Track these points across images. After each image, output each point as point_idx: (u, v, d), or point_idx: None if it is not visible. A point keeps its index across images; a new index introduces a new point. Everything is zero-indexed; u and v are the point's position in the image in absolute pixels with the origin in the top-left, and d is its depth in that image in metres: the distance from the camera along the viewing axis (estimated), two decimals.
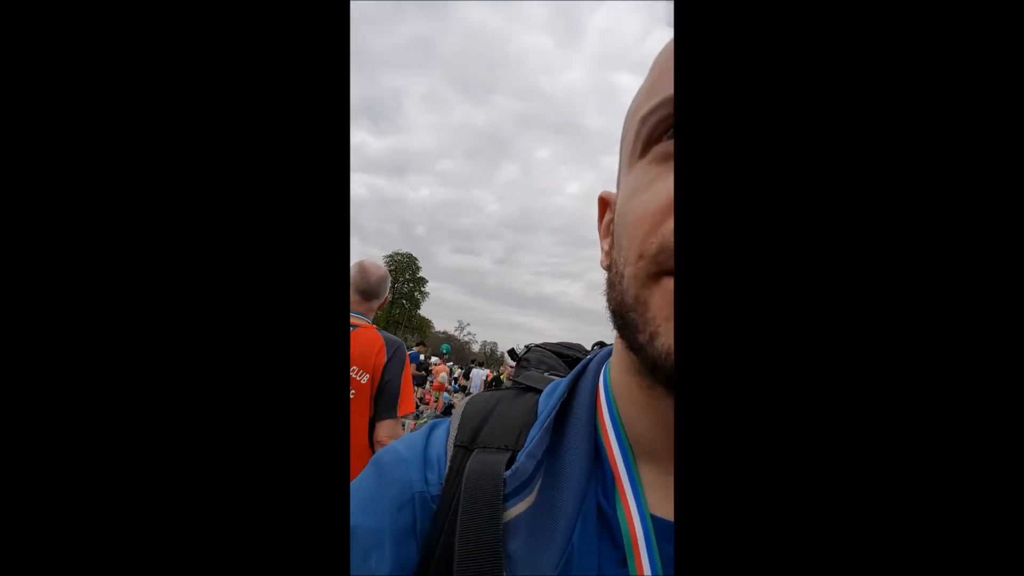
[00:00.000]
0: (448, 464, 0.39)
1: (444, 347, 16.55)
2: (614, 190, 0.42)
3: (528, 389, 0.46)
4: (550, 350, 0.60)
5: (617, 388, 0.40)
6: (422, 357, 11.31)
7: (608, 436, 0.38)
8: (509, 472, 0.36)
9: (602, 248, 0.43)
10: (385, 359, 1.78)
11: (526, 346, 0.65)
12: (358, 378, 1.72)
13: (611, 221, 0.41)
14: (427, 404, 11.23)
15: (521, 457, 0.37)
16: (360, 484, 0.41)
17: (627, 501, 0.35)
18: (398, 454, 0.41)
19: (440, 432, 0.42)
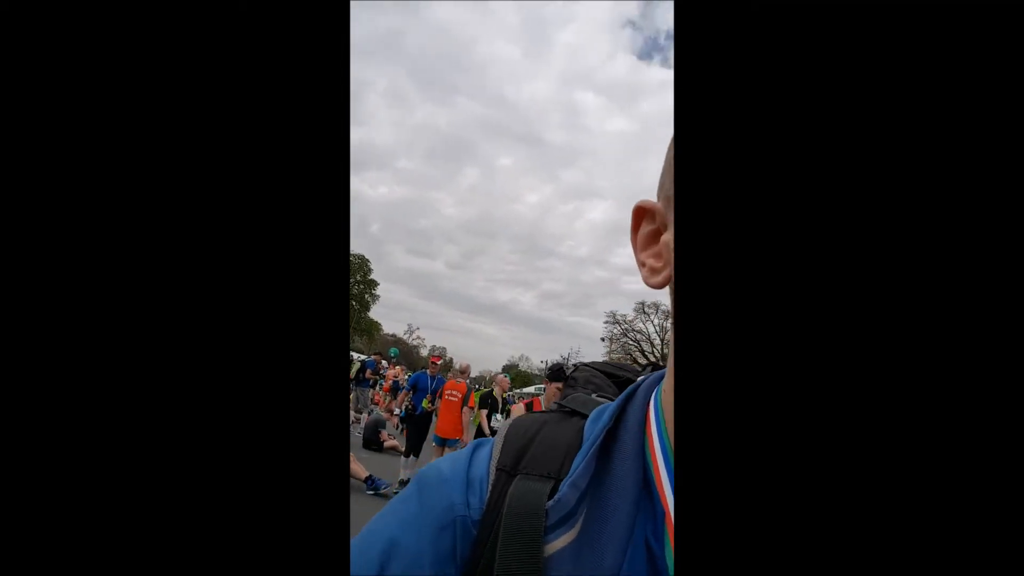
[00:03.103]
0: (490, 489, 0.39)
1: (392, 350, 17.39)
2: (653, 199, 0.41)
3: (574, 413, 0.45)
4: (599, 369, 0.57)
5: (670, 414, 0.37)
6: (377, 364, 12.36)
7: (658, 466, 0.36)
8: (551, 503, 0.36)
9: (644, 263, 0.40)
10: None
11: (574, 365, 0.62)
12: None
13: (658, 235, 0.39)
14: (376, 404, 12.30)
15: (564, 488, 0.36)
16: (403, 500, 0.41)
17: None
18: (441, 474, 0.41)
19: (483, 454, 0.42)
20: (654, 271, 0.39)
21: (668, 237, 0.38)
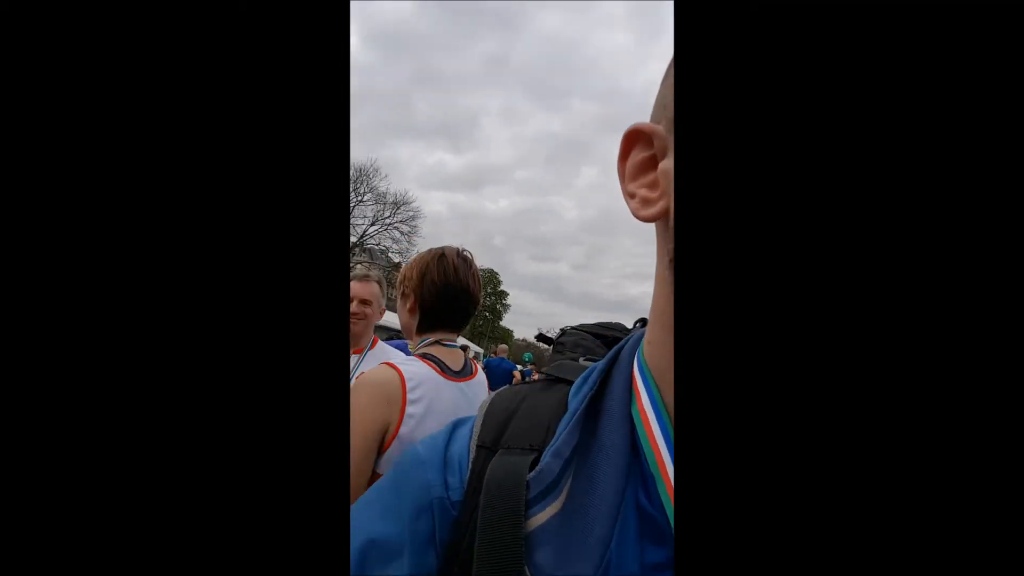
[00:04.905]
0: (470, 467, 0.37)
1: (526, 355, 17.86)
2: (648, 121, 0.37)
3: (558, 381, 0.42)
4: (587, 331, 0.52)
5: (656, 366, 0.36)
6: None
7: (649, 425, 0.34)
8: (533, 474, 0.34)
9: (633, 194, 0.36)
10: None
11: (561, 329, 0.56)
12: None
13: (654, 161, 0.35)
14: None
15: (546, 457, 0.34)
16: (380, 489, 0.40)
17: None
18: (417, 456, 0.39)
19: (463, 431, 0.40)
20: (647, 202, 0.35)
21: (668, 164, 0.34)
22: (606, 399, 0.37)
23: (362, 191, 28.38)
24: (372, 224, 28.54)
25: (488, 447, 0.38)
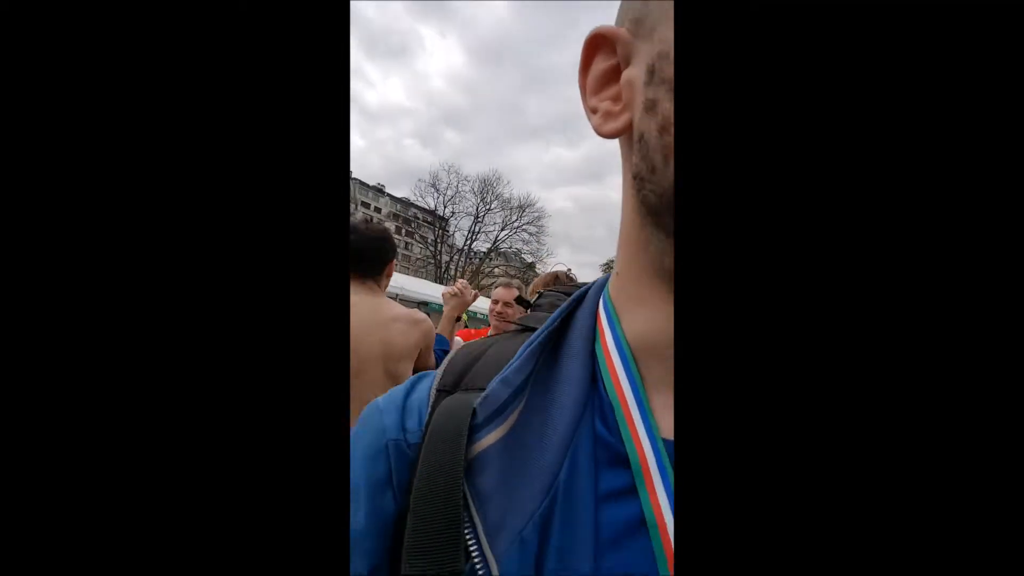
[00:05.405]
0: (429, 411, 0.36)
1: None
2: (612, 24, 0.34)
3: (525, 329, 0.41)
4: (564, 292, 0.47)
5: (627, 306, 0.35)
6: None
7: (611, 359, 0.34)
8: (478, 400, 0.33)
9: (595, 109, 0.34)
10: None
11: (539, 292, 0.52)
12: None
13: (616, 71, 0.33)
14: None
15: (492, 384, 0.34)
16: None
17: (634, 425, 0.31)
18: (375, 405, 0.39)
19: (425, 382, 0.39)
20: (610, 115, 0.33)
21: (633, 73, 0.32)
22: (569, 334, 0.37)
23: (489, 199, 29.72)
24: (503, 229, 29.68)
25: (447, 390, 0.37)
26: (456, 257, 30.07)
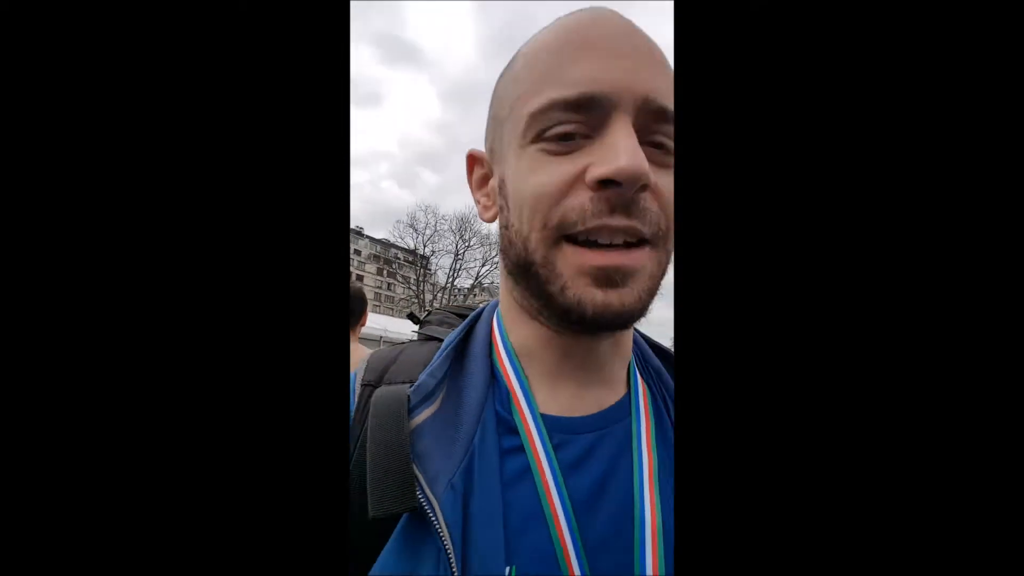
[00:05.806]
0: (356, 401, 0.47)
1: None
2: (482, 148, 0.49)
3: (431, 338, 0.55)
4: (452, 312, 0.63)
5: (510, 325, 0.48)
6: None
7: (503, 360, 0.47)
8: (412, 388, 0.44)
9: (479, 201, 0.50)
10: None
11: (427, 310, 0.71)
12: None
13: (487, 178, 0.49)
14: None
15: (422, 376, 0.45)
16: None
17: (520, 404, 0.44)
18: None
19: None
20: (486, 208, 0.49)
21: (493, 184, 0.47)
22: (471, 344, 0.50)
23: (468, 237, 29.90)
24: (484, 265, 29.80)
25: (373, 384, 0.48)
26: (439, 295, 30.02)
